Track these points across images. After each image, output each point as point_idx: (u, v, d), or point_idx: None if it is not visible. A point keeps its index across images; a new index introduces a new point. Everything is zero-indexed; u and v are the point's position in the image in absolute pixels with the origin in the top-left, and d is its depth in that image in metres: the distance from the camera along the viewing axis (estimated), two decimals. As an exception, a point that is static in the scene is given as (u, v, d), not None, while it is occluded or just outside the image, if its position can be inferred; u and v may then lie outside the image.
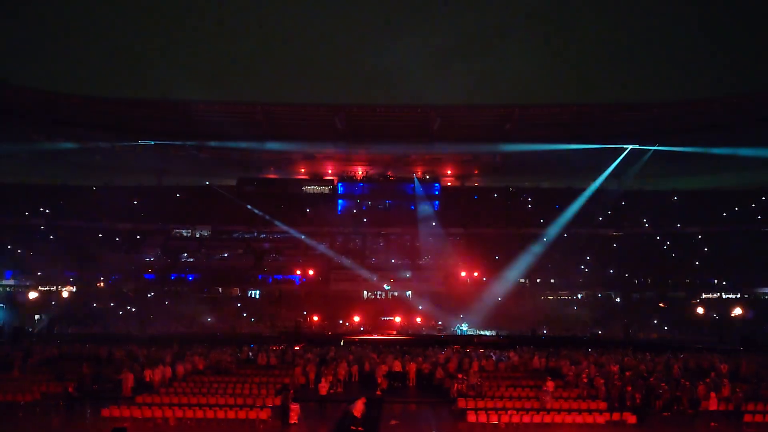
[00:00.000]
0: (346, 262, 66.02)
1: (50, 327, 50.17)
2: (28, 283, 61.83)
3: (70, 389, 25.06)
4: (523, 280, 64.02)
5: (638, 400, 23.76)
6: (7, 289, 61.31)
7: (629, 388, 25.26)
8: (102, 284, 62.30)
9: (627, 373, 28.84)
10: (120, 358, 33.42)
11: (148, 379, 27.68)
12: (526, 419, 22.35)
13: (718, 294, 62.42)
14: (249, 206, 72.52)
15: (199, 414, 22.58)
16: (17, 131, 63.27)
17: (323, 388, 25.66)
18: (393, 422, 23.41)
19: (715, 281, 63.33)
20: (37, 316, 56.23)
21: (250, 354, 35.16)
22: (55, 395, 25.69)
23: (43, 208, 70.38)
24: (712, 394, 24.24)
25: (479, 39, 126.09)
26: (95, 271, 62.54)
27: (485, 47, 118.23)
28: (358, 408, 21.56)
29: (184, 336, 47.65)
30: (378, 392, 27.75)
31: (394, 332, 55.00)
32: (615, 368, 29.50)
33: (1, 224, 65.74)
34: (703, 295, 62.46)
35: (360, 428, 21.33)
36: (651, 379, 26.91)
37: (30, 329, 51.02)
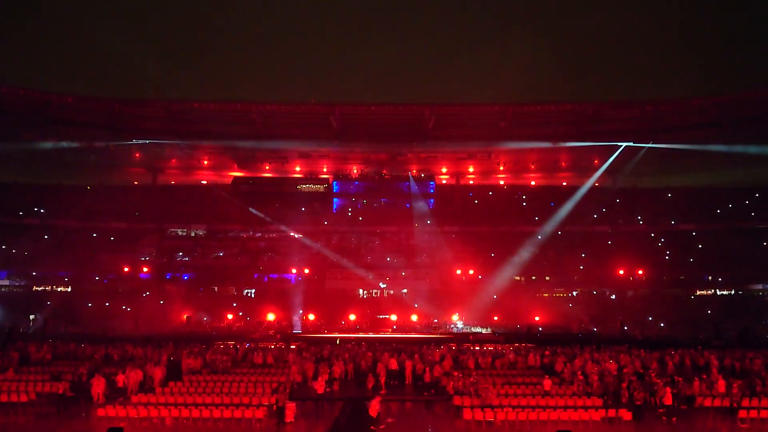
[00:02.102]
0: (342, 260, 66.00)
1: (45, 327, 49.98)
2: (22, 283, 61.65)
3: (60, 390, 24.94)
4: (518, 278, 64.14)
5: (640, 400, 23.68)
6: (2, 288, 61.09)
7: (624, 385, 25.35)
8: (97, 284, 62.05)
9: (625, 370, 28.92)
10: (118, 358, 33.36)
11: (121, 384, 27.02)
12: (522, 416, 22.40)
13: (713, 290, 62.68)
14: (244, 205, 72.45)
15: (195, 413, 22.58)
16: (11, 131, 62.97)
17: (320, 386, 25.69)
18: (389, 420, 23.44)
19: (710, 278, 63.56)
20: (32, 316, 56.13)
21: (247, 353, 35.14)
22: (50, 396, 25.61)
23: (38, 207, 70.11)
24: (668, 389, 24.36)
25: (475, 36, 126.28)
26: (90, 271, 62.33)
27: (483, 43, 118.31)
28: (374, 407, 21.65)
29: (180, 335, 47.67)
30: (383, 390, 27.82)
31: (390, 330, 55.07)
32: (613, 366, 29.52)
33: (-6, 224, 65.57)
34: (698, 292, 62.71)
35: (381, 427, 21.47)
36: (647, 377, 26.99)
37: (24, 330, 50.85)
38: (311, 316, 59.12)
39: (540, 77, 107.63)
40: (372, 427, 21.50)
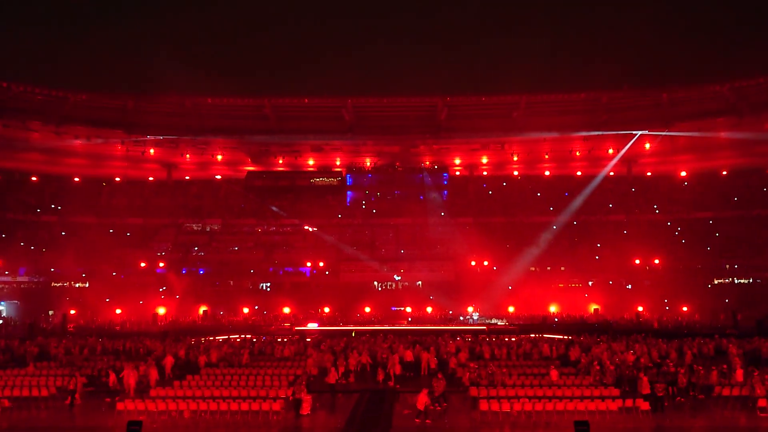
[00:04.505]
0: (357, 253, 66.13)
1: (64, 323, 50.59)
2: (41, 279, 62.39)
3: (71, 386, 25.19)
4: (533, 268, 63.85)
5: (662, 391, 23.46)
6: (21, 285, 61.85)
7: (641, 375, 25.21)
8: (114, 279, 62.63)
9: (642, 360, 28.75)
10: (133, 352, 33.69)
11: (112, 385, 26.94)
12: (539, 407, 22.38)
13: (731, 279, 62.07)
14: (258, 200, 72.77)
15: (213, 406, 22.79)
16: (26, 129, 63.59)
17: (332, 377, 25.92)
18: (405, 412, 23.52)
19: (728, 266, 62.92)
20: (50, 312, 56.86)
21: (263, 346, 35.37)
22: (69, 390, 25.94)
23: (55, 204, 70.76)
24: (644, 378, 24.21)
25: (488, 25, 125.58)
26: (107, 267, 62.90)
27: (495, 33, 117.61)
28: (422, 400, 21.88)
29: (197, 329, 48.12)
30: (390, 383, 27.95)
31: (405, 322, 55.17)
32: (630, 357, 29.30)
33: (13, 221, 66.26)
34: (716, 281, 62.13)
35: (428, 421, 21.73)
36: (664, 366, 26.77)
37: (44, 325, 51.51)
38: (326, 309, 59.41)
39: (553, 66, 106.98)
40: (417, 420, 21.76)
